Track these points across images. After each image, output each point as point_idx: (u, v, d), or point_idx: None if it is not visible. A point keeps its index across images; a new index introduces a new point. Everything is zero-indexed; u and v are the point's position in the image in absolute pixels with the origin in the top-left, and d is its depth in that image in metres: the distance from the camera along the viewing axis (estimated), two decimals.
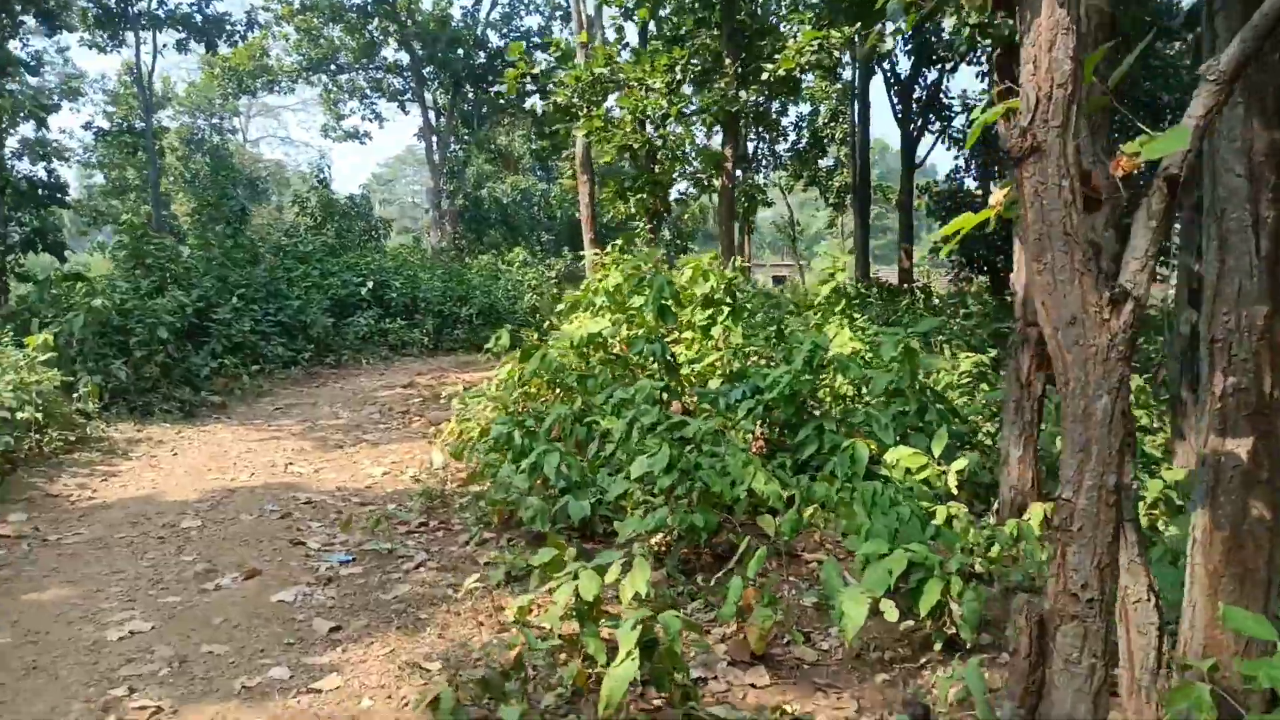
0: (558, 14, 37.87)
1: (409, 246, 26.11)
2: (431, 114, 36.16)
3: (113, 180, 35.44)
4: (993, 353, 10.23)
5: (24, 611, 4.79)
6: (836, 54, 10.58)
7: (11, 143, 29.68)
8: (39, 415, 8.44)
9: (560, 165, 43.33)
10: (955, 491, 5.86)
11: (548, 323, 13.04)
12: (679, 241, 34.37)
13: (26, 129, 30.92)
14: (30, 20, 26.67)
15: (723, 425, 6.52)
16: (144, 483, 7.80)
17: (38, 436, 8.41)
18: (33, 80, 31.45)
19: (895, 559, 4.16)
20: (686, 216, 26.67)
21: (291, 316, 15.00)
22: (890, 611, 4.01)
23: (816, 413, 7.35)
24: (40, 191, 25.98)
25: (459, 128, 36.94)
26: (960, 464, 5.80)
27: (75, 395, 9.30)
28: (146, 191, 32.52)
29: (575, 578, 3.84)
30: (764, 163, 26.59)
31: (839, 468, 5.70)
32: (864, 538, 4.57)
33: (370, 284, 18.10)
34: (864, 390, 7.90)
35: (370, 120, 37.12)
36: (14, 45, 27.44)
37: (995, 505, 6.08)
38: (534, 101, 38.98)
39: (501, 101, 37.48)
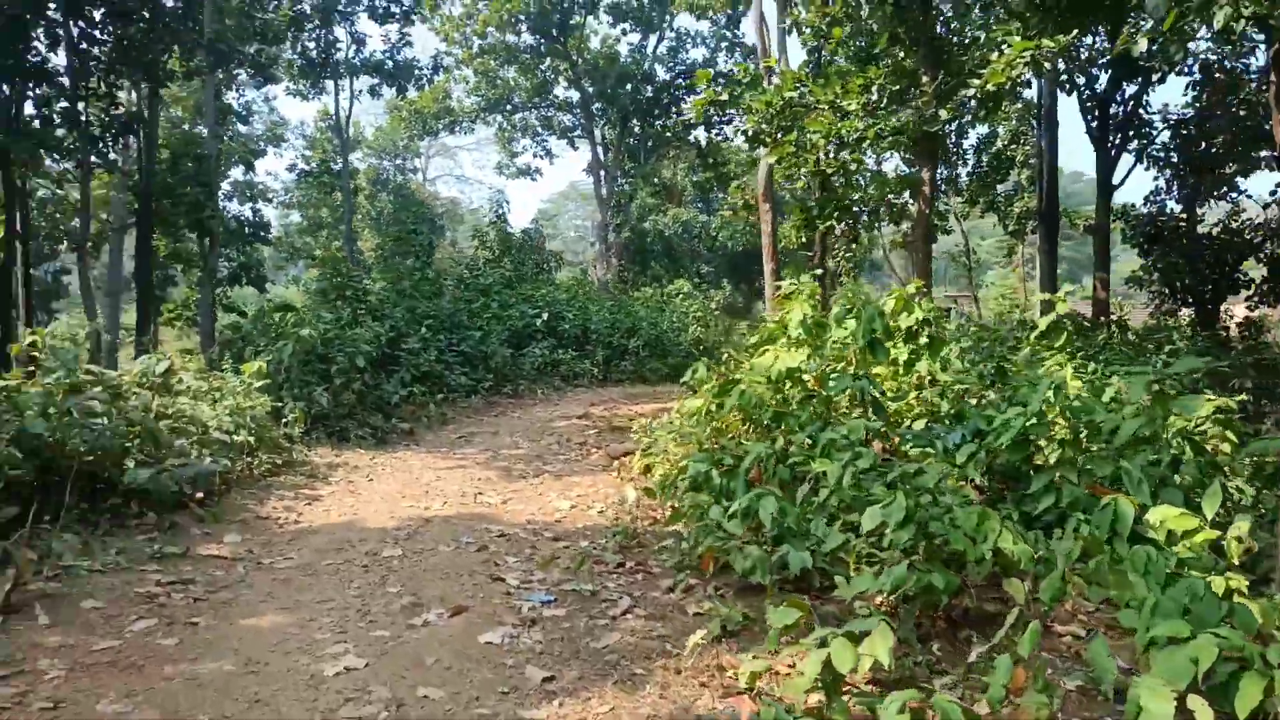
0: (723, 45, 38.05)
1: (578, 279, 26.62)
2: (599, 149, 36.96)
3: (309, 219, 38.22)
4: (1238, 396, 9.03)
5: (243, 638, 4.82)
6: (1048, 65, 9.77)
7: (224, 185, 32.58)
8: (251, 439, 8.85)
9: (722, 197, 43.39)
10: (1235, 561, 5.03)
11: (726, 355, 12.69)
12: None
13: (236, 172, 33.89)
14: (243, 74, 29.13)
15: (941, 473, 5.91)
16: (345, 508, 7.96)
17: (249, 459, 8.80)
18: (243, 128, 34.47)
19: (1201, 646, 3.49)
20: (855, 246, 25.92)
21: (473, 347, 15.39)
22: (1203, 711, 3.34)
23: (1041, 460, 6.61)
24: (246, 230, 28.16)
25: (625, 161, 37.59)
26: (1244, 527, 4.97)
27: (283, 420, 9.72)
28: (338, 228, 34.80)
29: (821, 644, 3.43)
30: (942, 189, 25.44)
31: (1096, 527, 4.99)
32: (1149, 615, 3.90)
33: (545, 316, 18.41)
34: (1084, 435, 7.07)
35: (541, 157, 38.39)
36: (230, 97, 30.11)
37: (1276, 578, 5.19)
38: (698, 134, 39.34)
39: (667, 135, 37.97)
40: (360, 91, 29.84)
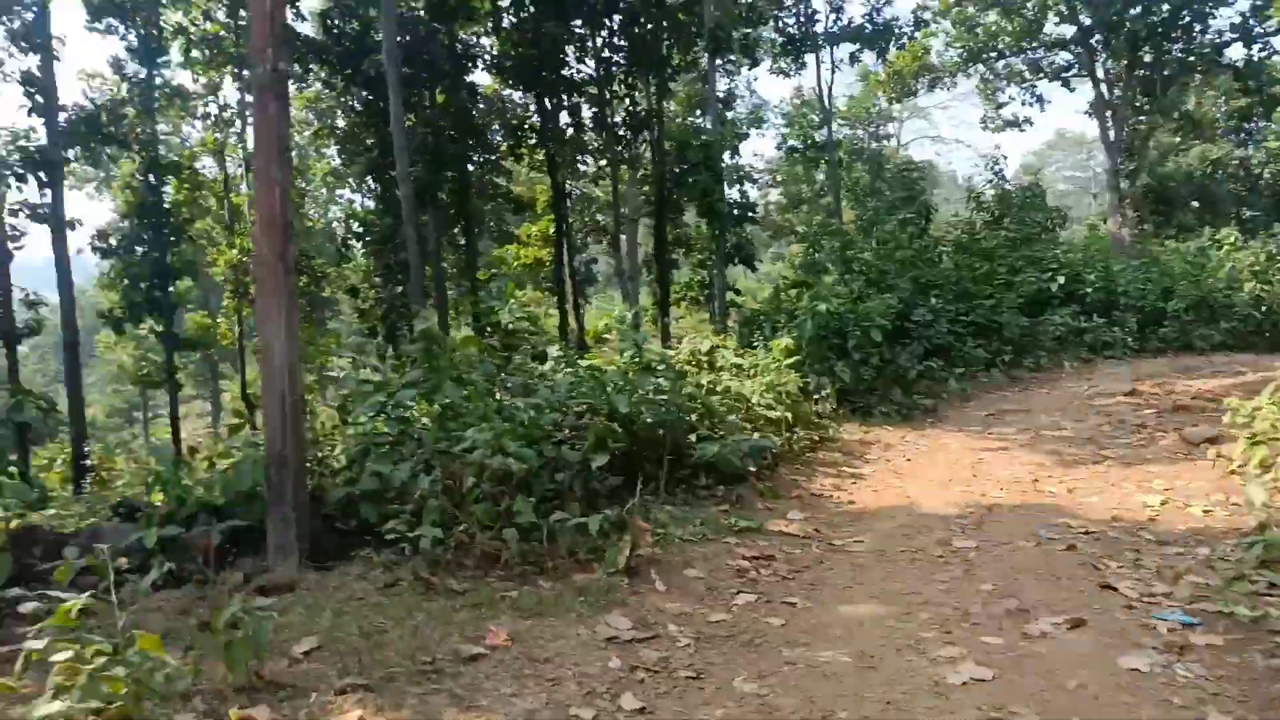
0: None
1: (1091, 235, 23.60)
2: (1103, 87, 32.51)
3: (789, 195, 39.40)
4: None
5: (846, 626, 4.66)
6: None
7: None
8: (788, 415, 8.97)
9: (1267, 125, 35.53)
10: None
11: None
12: None
13: (724, 156, 36.02)
14: (729, 62, 30.61)
15: None
16: (892, 489, 7.66)
17: (788, 435, 8.92)
18: (728, 114, 36.51)
19: None
20: None
21: (984, 316, 14.26)
22: None
23: None
24: (735, 212, 29.69)
25: (1136, 96, 32.52)
26: None
27: (813, 397, 9.76)
28: (819, 203, 35.29)
29: None
30: None
31: None
32: None
33: (1060, 279, 16.50)
34: None
35: (1030, 104, 34.81)
36: (719, 85, 31.95)
37: None
38: (1233, 52, 32.45)
39: (1190, 59, 32.01)
40: (840, 61, 29.75)
